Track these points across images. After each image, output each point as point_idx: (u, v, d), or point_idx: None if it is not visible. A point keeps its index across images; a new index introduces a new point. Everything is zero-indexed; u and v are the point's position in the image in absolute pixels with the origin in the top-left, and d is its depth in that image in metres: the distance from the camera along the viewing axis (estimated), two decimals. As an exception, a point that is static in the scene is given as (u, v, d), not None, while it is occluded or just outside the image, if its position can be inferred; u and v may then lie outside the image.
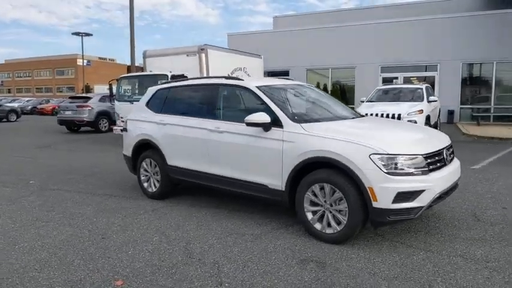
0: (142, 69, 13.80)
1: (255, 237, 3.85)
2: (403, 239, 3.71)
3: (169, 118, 5.08)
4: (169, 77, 11.33)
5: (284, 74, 20.34)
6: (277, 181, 3.91)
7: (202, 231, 4.02)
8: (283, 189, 3.87)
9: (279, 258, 3.35)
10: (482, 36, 16.45)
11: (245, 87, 4.42)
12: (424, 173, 3.37)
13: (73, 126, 15.93)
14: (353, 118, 4.51)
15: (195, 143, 4.69)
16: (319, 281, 2.94)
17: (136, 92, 12.19)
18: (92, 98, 15.92)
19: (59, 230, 4.14)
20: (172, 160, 4.99)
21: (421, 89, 11.01)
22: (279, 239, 3.78)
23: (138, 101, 11.35)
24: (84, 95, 19.34)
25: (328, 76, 20.27)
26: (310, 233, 3.76)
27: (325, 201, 3.61)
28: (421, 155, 3.41)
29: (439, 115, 12.20)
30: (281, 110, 4.04)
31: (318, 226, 3.68)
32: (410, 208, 3.30)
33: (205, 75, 13.06)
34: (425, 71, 17.84)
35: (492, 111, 16.83)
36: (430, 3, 21.62)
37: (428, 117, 9.89)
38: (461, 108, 17.39)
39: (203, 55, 12.92)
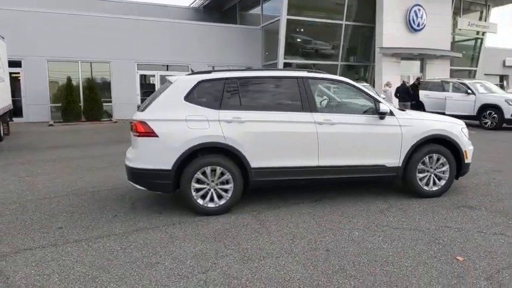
0: None
1: (398, 208, 4.57)
2: (461, 184, 5.57)
3: (247, 114, 4.45)
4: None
5: (16, 64, 16.34)
6: (395, 159, 4.79)
7: (359, 223, 4.28)
8: (400, 165, 4.81)
9: (442, 212, 4.44)
10: (224, 42, 20.10)
11: (345, 81, 4.89)
12: (464, 139, 5.39)
13: None
14: None
15: (296, 138, 4.53)
16: (490, 214, 4.38)
17: None
18: None
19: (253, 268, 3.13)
20: (259, 161, 4.46)
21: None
22: (410, 206, 4.70)
23: None
24: None
25: (77, 70, 18.01)
26: (419, 194, 4.94)
27: (431, 167, 4.93)
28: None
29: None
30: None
31: (426, 188, 4.95)
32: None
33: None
34: (181, 71, 19.63)
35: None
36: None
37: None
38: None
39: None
